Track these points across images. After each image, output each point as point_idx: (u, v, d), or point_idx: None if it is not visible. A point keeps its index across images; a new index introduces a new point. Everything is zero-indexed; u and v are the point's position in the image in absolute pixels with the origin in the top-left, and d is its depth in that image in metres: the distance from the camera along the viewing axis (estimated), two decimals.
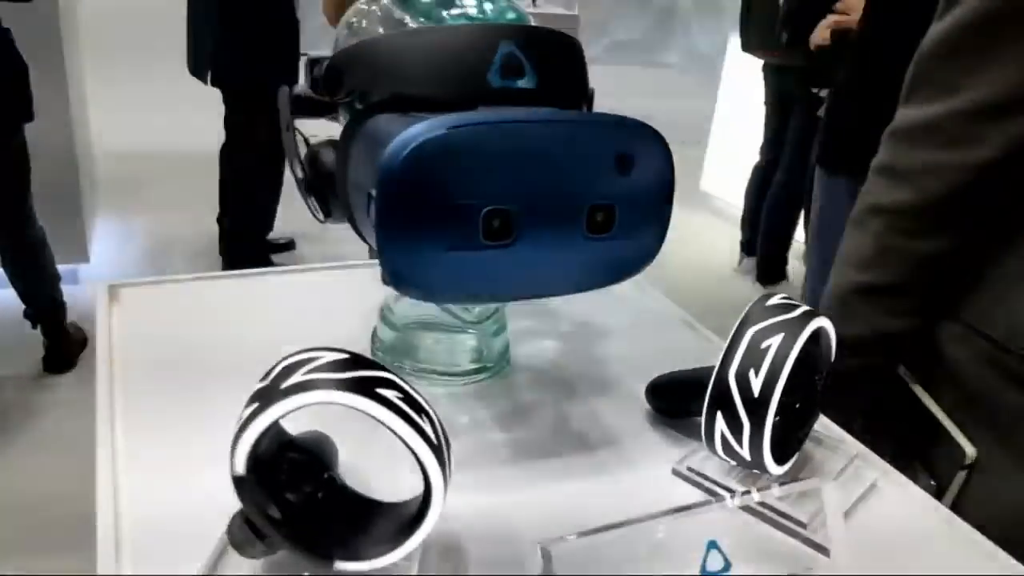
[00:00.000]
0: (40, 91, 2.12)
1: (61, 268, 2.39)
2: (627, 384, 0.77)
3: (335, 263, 0.98)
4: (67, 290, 2.40)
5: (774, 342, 0.57)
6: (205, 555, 0.51)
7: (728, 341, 0.59)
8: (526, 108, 0.57)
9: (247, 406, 0.47)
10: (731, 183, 3.88)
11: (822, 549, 0.55)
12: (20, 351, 2.36)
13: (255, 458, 0.47)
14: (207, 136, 3.15)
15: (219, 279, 0.90)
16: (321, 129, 0.70)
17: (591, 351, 0.83)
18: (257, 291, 0.92)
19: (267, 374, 0.48)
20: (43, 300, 2.32)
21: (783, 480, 0.61)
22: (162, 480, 0.60)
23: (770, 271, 3.24)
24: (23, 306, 2.31)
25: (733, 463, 0.61)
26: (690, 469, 0.64)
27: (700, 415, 0.70)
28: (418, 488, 0.52)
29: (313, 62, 0.64)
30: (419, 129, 0.51)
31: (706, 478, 0.63)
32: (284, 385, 0.46)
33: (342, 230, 0.69)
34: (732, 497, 0.52)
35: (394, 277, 0.55)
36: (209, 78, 2.70)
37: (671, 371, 0.73)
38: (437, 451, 0.48)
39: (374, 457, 0.56)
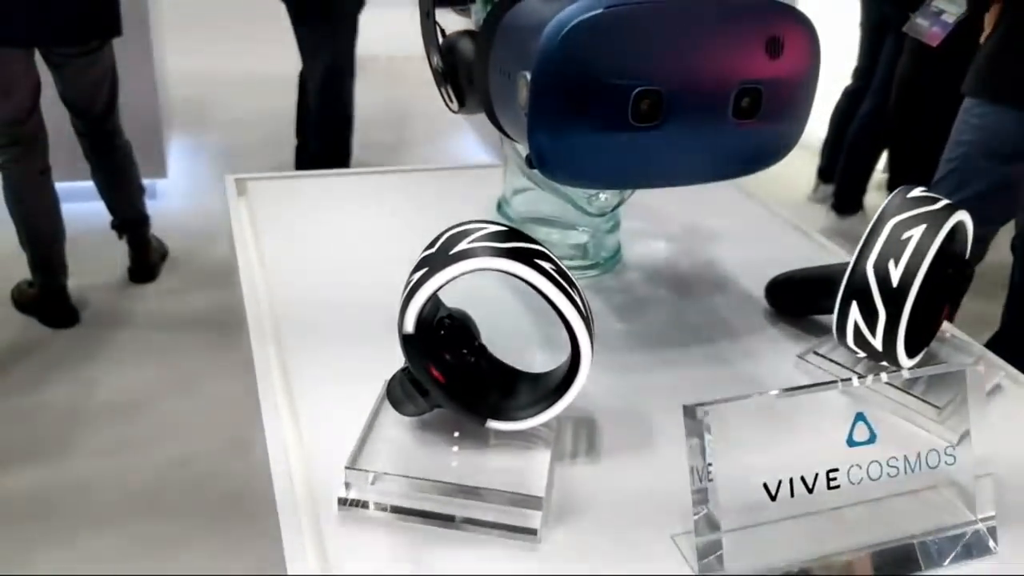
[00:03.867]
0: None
1: None
2: (742, 283, 0.78)
3: (450, 165, 1.00)
4: (147, 204, 2.47)
5: (915, 233, 0.57)
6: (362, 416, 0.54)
7: (867, 232, 0.59)
8: None
9: (415, 271, 0.49)
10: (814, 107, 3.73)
11: (949, 436, 0.56)
12: (107, 261, 2.44)
13: (420, 320, 0.49)
14: (275, 56, 3.17)
15: (342, 176, 0.93)
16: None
17: (703, 252, 0.83)
18: (379, 187, 0.94)
19: (432, 243, 0.50)
20: (130, 211, 2.40)
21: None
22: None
23: (848, 200, 3.14)
24: (110, 218, 2.38)
25: (862, 355, 0.62)
26: (816, 354, 0.65)
27: (822, 312, 0.71)
28: (549, 364, 0.55)
29: None
30: (575, 10, 0.52)
31: (834, 362, 0.64)
32: (452, 252, 0.48)
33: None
34: (861, 380, 0.53)
35: (542, 159, 0.56)
36: None
37: (788, 270, 0.74)
38: (586, 321, 0.50)
39: (502, 337, 0.57)
